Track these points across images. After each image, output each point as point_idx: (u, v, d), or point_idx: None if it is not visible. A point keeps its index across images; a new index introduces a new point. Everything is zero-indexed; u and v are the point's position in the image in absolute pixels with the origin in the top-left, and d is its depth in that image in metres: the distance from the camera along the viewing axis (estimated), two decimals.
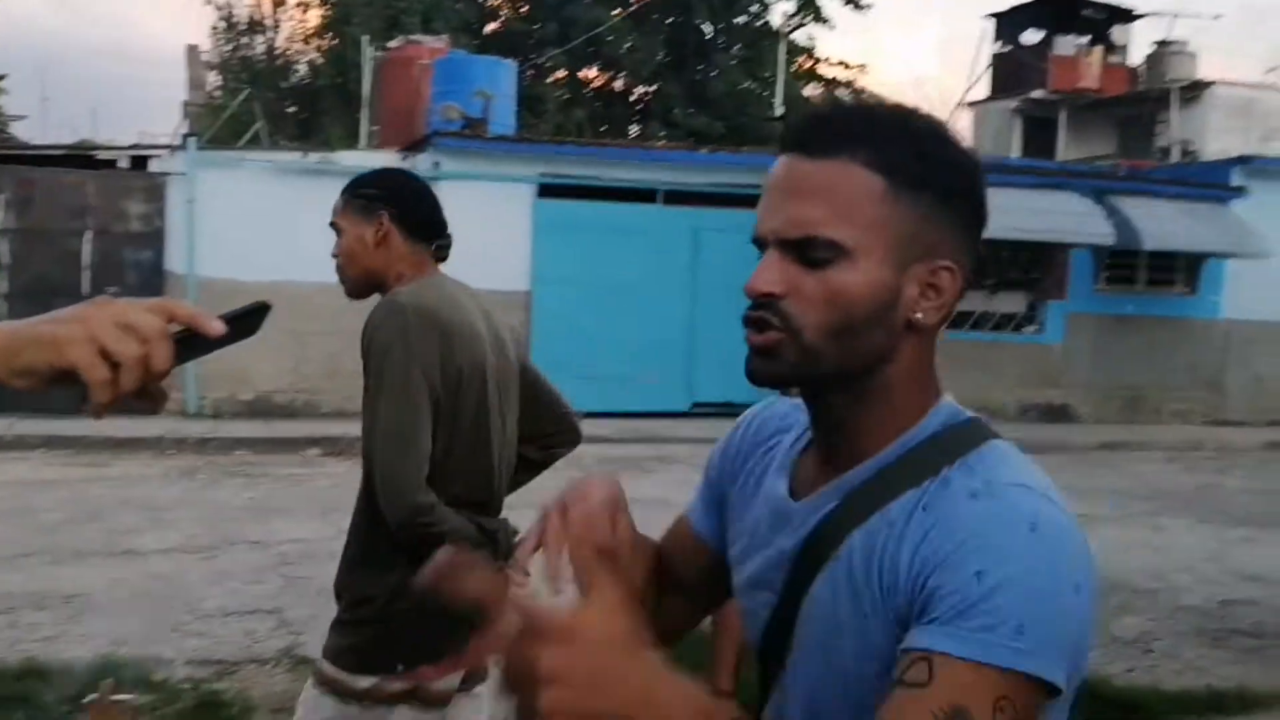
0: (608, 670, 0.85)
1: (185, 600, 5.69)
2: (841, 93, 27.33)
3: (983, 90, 26.06)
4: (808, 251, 1.06)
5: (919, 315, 1.08)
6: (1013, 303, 14.18)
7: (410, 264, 2.39)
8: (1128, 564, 6.93)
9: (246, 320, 1.03)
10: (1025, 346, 14.19)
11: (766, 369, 1.10)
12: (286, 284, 11.02)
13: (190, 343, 0.97)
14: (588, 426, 10.79)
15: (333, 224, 2.43)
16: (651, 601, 1.33)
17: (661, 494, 8.62)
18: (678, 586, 1.36)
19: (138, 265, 11.24)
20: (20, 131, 24.70)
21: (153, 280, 11.23)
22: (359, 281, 2.42)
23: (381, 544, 2.27)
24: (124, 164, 11.65)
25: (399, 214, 2.39)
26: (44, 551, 6.43)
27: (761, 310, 1.08)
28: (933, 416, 1.12)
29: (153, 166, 11.46)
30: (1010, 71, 25.33)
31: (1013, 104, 24.96)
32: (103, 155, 11.88)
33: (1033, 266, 14.11)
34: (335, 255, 2.43)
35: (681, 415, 12.39)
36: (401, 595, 2.21)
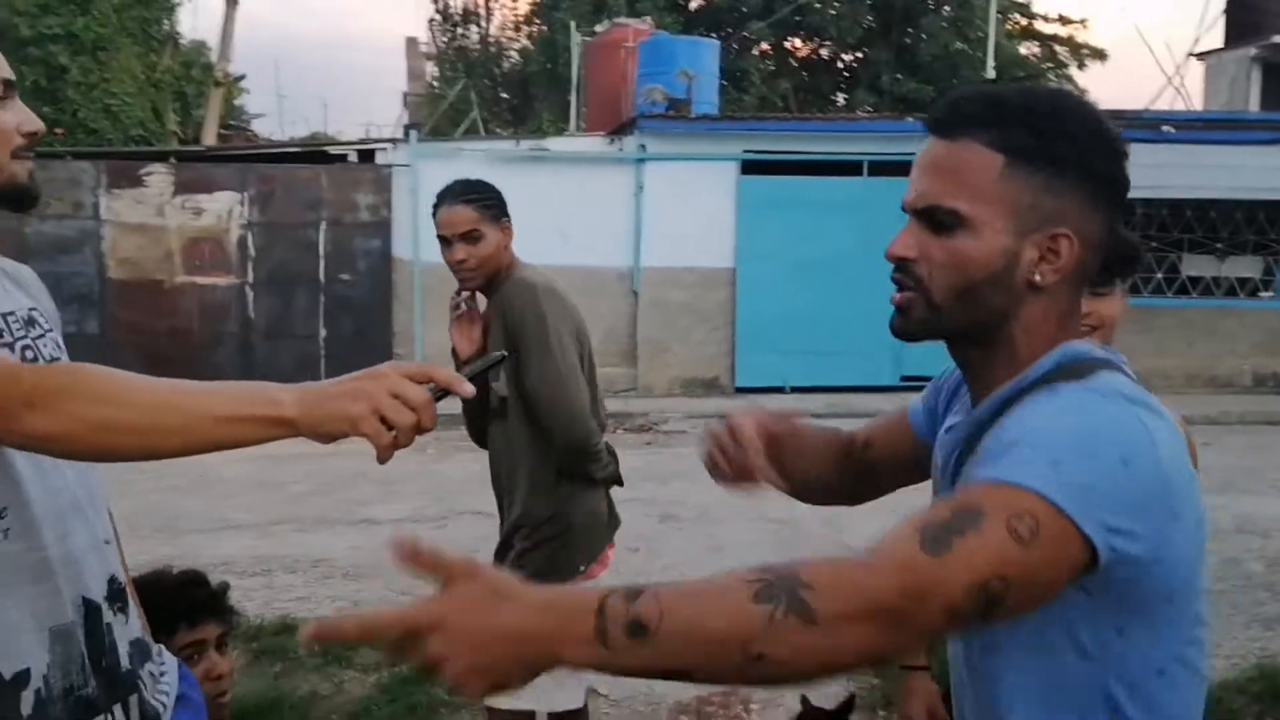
0: (477, 631, 0.97)
1: None
2: (1060, 49, 26.16)
3: (1216, 39, 24.40)
4: (935, 219, 1.22)
5: (1037, 277, 1.22)
6: (1247, 266, 13.32)
7: (512, 253, 2.88)
8: None
9: (489, 373, 1.34)
10: (1262, 313, 13.32)
11: (901, 323, 1.28)
12: None
13: (445, 394, 1.30)
14: (795, 401, 10.97)
15: (469, 233, 2.77)
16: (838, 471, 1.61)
17: None
18: (878, 461, 1.60)
19: (367, 253, 11.99)
20: (260, 128, 26.51)
21: (381, 267, 11.97)
22: (490, 278, 2.83)
23: (550, 472, 2.81)
24: (353, 158, 12.44)
25: (508, 216, 2.87)
26: (292, 520, 7.04)
27: (899, 272, 1.26)
28: (1048, 357, 1.24)
29: (378, 159, 12.18)
30: (1247, 16, 23.61)
31: (1250, 52, 23.25)
32: (334, 150, 12.72)
33: (1270, 227, 13.23)
34: (464, 260, 2.79)
35: (890, 389, 12.28)
36: (574, 505, 2.80)
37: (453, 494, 7.76)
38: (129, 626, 1.64)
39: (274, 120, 37.33)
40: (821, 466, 1.61)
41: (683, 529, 7.04)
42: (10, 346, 1.53)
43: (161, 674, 1.70)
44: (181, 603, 2.13)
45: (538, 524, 2.83)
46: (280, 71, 47.51)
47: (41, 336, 1.62)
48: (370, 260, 11.98)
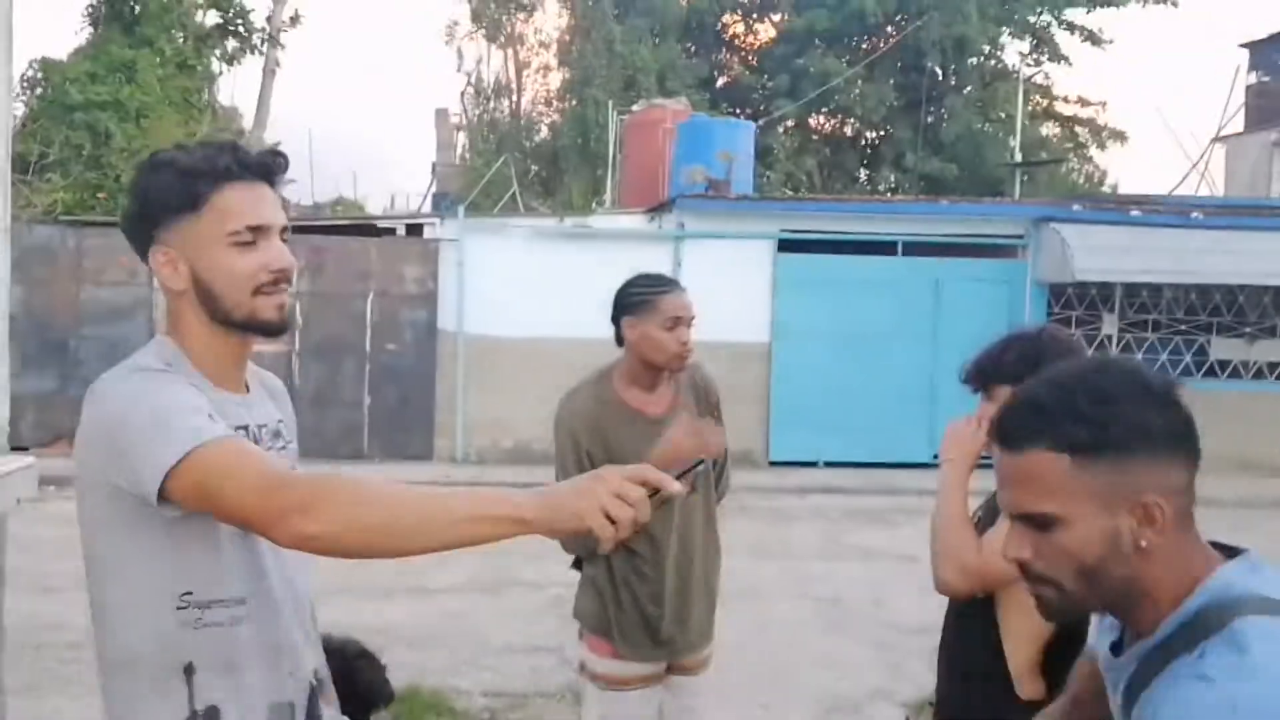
0: None
1: (476, 636, 6.28)
2: (1080, 130, 26.55)
3: (1237, 124, 24.78)
4: (1034, 521, 1.34)
5: (1144, 544, 1.31)
6: (1275, 350, 13.49)
7: None
8: None
9: (691, 472, 1.51)
10: None
11: (1047, 613, 1.41)
12: (543, 340, 11.79)
13: (657, 492, 1.45)
14: (829, 476, 11.05)
15: (693, 320, 3.13)
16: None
17: (907, 549, 8.77)
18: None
19: (413, 324, 12.24)
20: (290, 194, 27.00)
21: (426, 338, 12.23)
22: None
23: None
24: (400, 231, 12.75)
25: None
26: (351, 589, 7.14)
27: (1022, 570, 1.38)
28: (1194, 600, 1.32)
29: (426, 233, 12.48)
30: (1268, 103, 24.00)
31: (1271, 136, 23.60)
32: (382, 224, 13.04)
33: None
34: (688, 344, 3.10)
35: (924, 465, 12.41)
36: None
37: (504, 564, 7.90)
38: (331, 711, 1.85)
39: (305, 187, 37.93)
40: None
41: (727, 605, 7.09)
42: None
43: None
44: (387, 686, 2.32)
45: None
46: (312, 138, 48.32)
47: (284, 448, 1.85)
48: (416, 331, 12.22)
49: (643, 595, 3.11)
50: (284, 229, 1.75)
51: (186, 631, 1.64)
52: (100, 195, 16.53)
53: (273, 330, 1.74)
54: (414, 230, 12.62)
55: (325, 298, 12.04)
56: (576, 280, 11.84)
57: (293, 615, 1.78)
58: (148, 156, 1.77)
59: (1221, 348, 13.31)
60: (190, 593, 1.64)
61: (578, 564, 3.31)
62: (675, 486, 1.45)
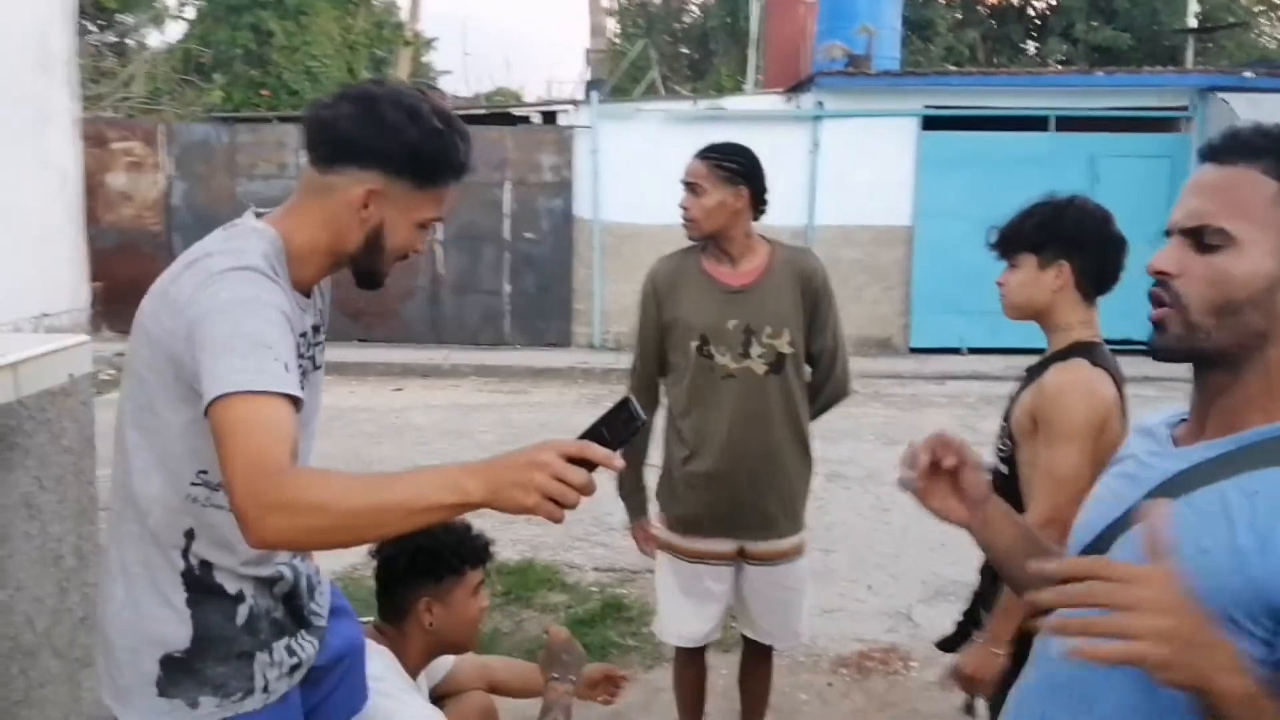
0: (1201, 641, 1.08)
1: (593, 514, 6.44)
2: None
3: None
4: (1202, 238, 1.27)
5: None
6: None
7: (744, 219, 3.09)
8: None
9: (627, 428, 1.52)
10: None
11: (1159, 340, 1.31)
12: (679, 226, 11.74)
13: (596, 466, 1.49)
14: (973, 363, 10.83)
15: (693, 185, 3.01)
16: None
17: None
18: None
19: (549, 212, 12.35)
20: (445, 85, 27.31)
21: (562, 226, 12.34)
22: (706, 234, 3.07)
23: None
24: (536, 119, 12.80)
25: (755, 192, 3.04)
26: None
27: (1157, 288, 1.30)
28: None
29: (560, 120, 12.50)
30: None
31: None
32: (517, 112, 13.11)
33: None
34: (684, 208, 3.05)
35: None
36: None
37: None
38: (307, 564, 2.01)
39: (460, 78, 38.29)
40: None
41: (849, 489, 7.14)
42: (306, 358, 1.83)
43: (322, 592, 2.08)
44: (468, 547, 2.50)
45: (809, 465, 3.24)
46: (467, 29, 48.54)
47: (319, 344, 1.93)
48: (552, 219, 12.34)
49: (692, 478, 3.16)
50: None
51: (191, 505, 1.75)
52: (264, 92, 17.08)
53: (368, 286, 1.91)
54: (549, 118, 12.65)
55: (463, 187, 11.79)
56: None
57: None
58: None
59: None
60: (206, 473, 1.73)
61: None
62: (618, 463, 1.49)
